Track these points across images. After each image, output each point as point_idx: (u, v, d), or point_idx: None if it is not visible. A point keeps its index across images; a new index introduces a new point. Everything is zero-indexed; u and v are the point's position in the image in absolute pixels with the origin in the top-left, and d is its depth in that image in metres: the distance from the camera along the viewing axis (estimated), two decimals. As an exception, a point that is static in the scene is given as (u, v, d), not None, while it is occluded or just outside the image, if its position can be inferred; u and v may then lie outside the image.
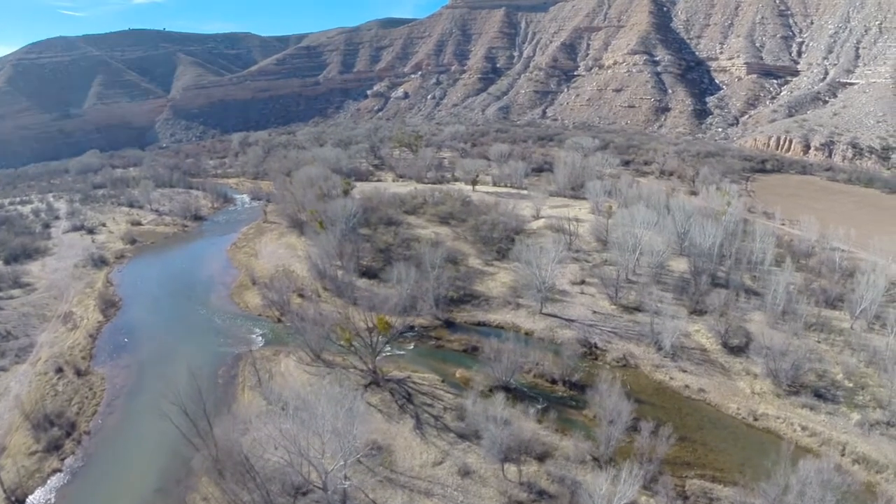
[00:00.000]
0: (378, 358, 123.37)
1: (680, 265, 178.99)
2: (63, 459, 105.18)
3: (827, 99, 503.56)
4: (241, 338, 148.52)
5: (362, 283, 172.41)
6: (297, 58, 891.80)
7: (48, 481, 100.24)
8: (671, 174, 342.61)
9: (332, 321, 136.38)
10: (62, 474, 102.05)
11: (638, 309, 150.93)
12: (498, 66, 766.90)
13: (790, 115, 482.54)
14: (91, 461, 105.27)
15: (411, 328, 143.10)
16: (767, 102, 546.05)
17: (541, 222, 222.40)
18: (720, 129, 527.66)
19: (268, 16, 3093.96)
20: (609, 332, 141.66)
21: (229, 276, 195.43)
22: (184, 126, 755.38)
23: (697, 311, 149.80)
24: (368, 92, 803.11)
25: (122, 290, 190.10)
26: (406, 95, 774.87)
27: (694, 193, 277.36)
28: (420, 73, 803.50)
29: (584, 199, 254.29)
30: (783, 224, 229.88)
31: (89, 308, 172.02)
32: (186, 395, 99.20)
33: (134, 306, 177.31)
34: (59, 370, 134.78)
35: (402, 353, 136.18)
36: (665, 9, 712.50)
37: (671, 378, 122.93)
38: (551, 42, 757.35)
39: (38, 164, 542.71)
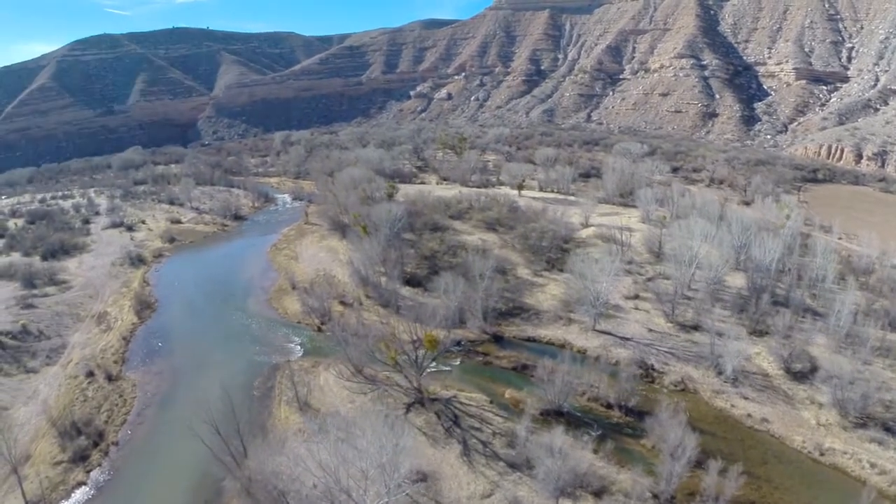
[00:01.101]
0: (423, 374, 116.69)
1: (736, 281, 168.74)
2: (89, 472, 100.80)
3: (878, 107, 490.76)
4: (278, 346, 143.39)
5: (406, 291, 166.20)
6: (339, 57, 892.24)
7: (72, 495, 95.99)
8: (721, 182, 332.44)
9: (375, 334, 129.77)
10: (87, 488, 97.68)
11: (695, 327, 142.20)
12: (542, 68, 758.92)
13: (841, 123, 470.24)
14: (118, 475, 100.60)
15: (458, 343, 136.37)
16: (817, 109, 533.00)
17: (590, 231, 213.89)
18: (769, 137, 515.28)
19: (311, 16, 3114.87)
20: (666, 352, 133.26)
21: (268, 280, 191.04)
22: (226, 124, 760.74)
23: (757, 332, 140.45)
24: (411, 93, 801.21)
25: (159, 291, 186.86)
26: (449, 96, 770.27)
27: (746, 203, 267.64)
28: (463, 74, 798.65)
29: (633, 206, 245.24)
30: (840, 238, 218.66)
31: (124, 309, 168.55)
32: (219, 412, 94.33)
33: (170, 308, 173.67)
34: (90, 374, 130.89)
35: (447, 368, 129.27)
36: (712, 12, 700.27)
37: (732, 406, 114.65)
38: (596, 45, 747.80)
39: (81, 159, 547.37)
